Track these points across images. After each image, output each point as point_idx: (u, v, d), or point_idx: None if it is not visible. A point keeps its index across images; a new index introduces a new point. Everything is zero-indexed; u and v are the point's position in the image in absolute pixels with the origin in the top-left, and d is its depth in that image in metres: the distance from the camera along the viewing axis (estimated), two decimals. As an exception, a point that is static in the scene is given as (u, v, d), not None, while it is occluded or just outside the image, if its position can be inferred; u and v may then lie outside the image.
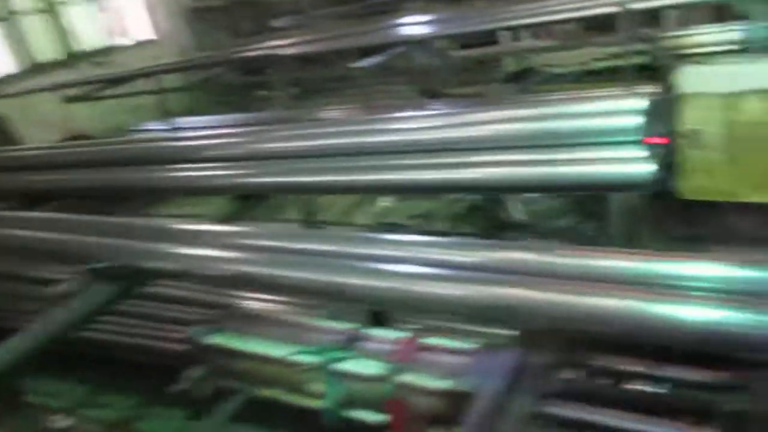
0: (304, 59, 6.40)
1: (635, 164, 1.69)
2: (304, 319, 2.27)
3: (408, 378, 1.83)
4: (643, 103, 1.71)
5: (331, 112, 5.18)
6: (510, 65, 5.95)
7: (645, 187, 1.75)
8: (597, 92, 4.75)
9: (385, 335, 2.00)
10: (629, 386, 1.47)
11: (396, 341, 1.93)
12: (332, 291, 1.83)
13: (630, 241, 4.14)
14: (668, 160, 4.07)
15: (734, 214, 3.94)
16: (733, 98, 3.39)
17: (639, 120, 1.68)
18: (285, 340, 2.10)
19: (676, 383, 1.42)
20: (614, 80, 4.37)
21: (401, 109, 4.56)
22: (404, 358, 1.87)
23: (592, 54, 5.39)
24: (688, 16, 5.30)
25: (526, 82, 5.71)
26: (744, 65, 3.41)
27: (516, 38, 6.16)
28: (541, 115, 1.84)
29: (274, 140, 2.85)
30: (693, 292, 1.34)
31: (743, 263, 1.36)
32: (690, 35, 4.11)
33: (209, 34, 9.00)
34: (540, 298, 1.44)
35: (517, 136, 1.85)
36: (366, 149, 2.42)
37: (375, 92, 6.28)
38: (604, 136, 1.72)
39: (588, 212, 4.30)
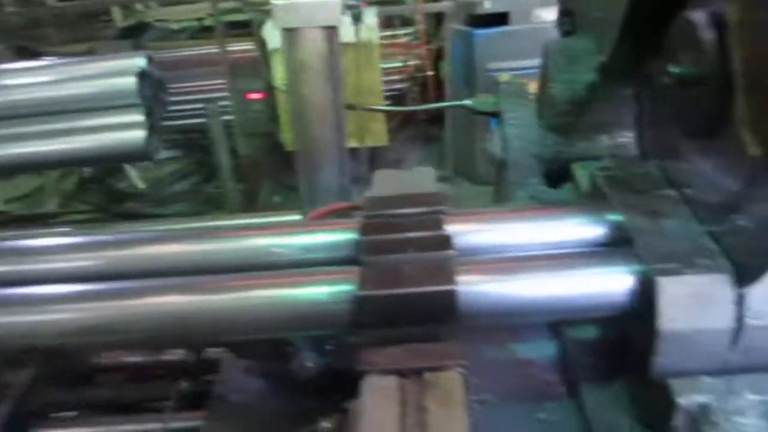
0: None
1: (128, 131, 1.54)
2: None
3: None
4: (140, 63, 1.57)
5: None
6: (121, 19, 5.43)
7: (140, 156, 1.59)
8: (206, 48, 4.68)
9: None
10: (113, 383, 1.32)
11: None
12: None
13: (252, 196, 4.23)
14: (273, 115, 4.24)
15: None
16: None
17: (133, 82, 1.52)
18: None
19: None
20: (227, 36, 4.32)
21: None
22: None
23: (208, 9, 5.25)
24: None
25: (140, 38, 5.31)
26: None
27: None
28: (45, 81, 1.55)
29: None
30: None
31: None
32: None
33: None
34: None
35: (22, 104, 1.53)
36: None
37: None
38: (100, 100, 1.53)
39: (209, 173, 4.25)
